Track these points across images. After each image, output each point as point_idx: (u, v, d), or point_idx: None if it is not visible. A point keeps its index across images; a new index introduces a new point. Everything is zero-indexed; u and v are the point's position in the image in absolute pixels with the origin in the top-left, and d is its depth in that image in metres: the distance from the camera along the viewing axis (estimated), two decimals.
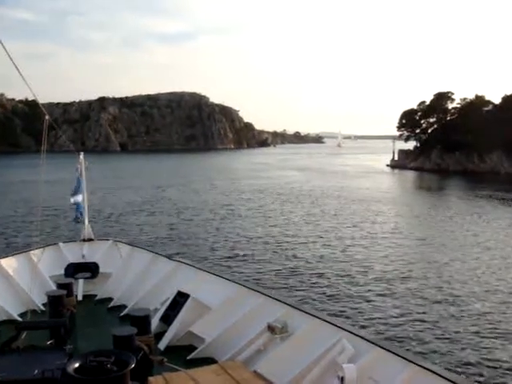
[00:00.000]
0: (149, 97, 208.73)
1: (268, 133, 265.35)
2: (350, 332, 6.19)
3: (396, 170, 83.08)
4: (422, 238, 26.88)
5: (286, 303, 7.30)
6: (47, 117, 9.03)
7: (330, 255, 22.38)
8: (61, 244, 11.16)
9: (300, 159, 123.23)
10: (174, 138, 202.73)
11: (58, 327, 6.49)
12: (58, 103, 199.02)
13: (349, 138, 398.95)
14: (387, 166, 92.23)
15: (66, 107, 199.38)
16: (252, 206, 38.37)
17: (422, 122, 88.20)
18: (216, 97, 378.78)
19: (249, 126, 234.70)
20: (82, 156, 10.97)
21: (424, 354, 11.91)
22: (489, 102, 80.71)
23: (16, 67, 6.66)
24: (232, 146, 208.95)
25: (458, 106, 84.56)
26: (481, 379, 11.03)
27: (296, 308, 7.11)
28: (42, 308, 9.11)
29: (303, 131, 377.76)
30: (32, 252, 10.42)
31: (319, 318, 6.71)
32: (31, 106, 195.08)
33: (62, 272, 10.17)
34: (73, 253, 10.86)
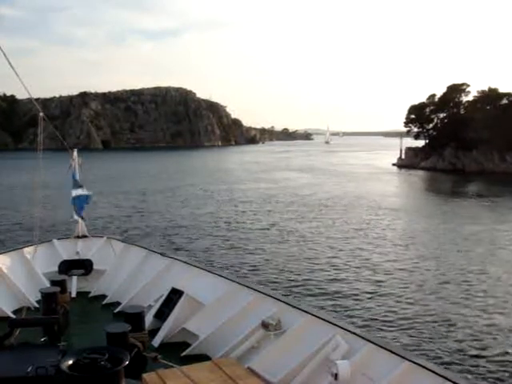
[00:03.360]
0: (133, 92, 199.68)
1: (256, 129, 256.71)
2: (343, 329, 6.14)
3: (405, 170, 74.98)
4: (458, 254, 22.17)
5: (279, 300, 7.21)
6: (41, 114, 9.77)
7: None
8: (55, 241, 11.02)
9: (295, 157, 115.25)
10: (160, 134, 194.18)
11: (51, 324, 6.53)
12: (37, 98, 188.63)
13: (337, 134, 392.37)
14: (393, 165, 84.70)
15: (45, 103, 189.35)
16: (262, 225, 29.53)
17: (433, 116, 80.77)
18: (202, 92, 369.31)
19: (237, 123, 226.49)
20: (75, 152, 11.06)
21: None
22: (509, 95, 73.17)
23: (10, 64, 7.24)
24: (219, 143, 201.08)
25: (475, 98, 76.84)
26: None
27: (290, 305, 7.02)
28: (36, 305, 8.99)
29: (291, 127, 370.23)
30: (26, 249, 10.35)
31: (313, 315, 6.64)
32: (9, 101, 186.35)
33: (56, 269, 10.04)
34: (67, 250, 10.77)
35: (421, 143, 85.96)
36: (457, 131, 73.56)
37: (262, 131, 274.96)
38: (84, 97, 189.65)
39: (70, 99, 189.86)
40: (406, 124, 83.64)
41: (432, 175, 67.85)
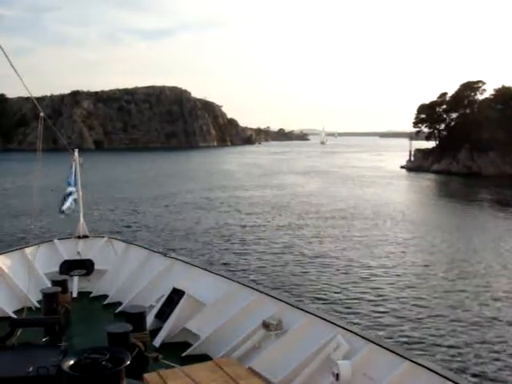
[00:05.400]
0: (126, 91, 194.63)
1: (251, 129, 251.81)
2: (344, 328, 6.06)
3: (416, 174, 70.02)
4: None
5: (280, 300, 7.13)
6: (42, 114, 9.68)
7: None
8: (56, 241, 10.98)
9: (296, 159, 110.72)
10: (154, 135, 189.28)
11: (52, 324, 6.43)
12: (27, 97, 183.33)
13: (332, 135, 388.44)
14: (402, 167, 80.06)
15: (36, 101, 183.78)
16: (276, 247, 24.30)
17: (445, 116, 76.19)
18: (200, 92, 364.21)
19: (233, 122, 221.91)
20: (76, 153, 10.94)
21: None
22: None
23: (11, 64, 7.23)
24: (215, 144, 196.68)
25: (489, 97, 72.35)
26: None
27: (291, 305, 6.95)
28: (37, 305, 8.91)
29: (287, 127, 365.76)
30: (27, 249, 10.26)
31: (314, 315, 6.57)
32: None
33: (57, 269, 10.01)
34: (68, 250, 10.70)
35: (424, 144, 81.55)
36: (470, 132, 69.19)
37: (258, 131, 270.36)
38: (76, 96, 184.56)
39: (62, 98, 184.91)
40: (416, 124, 79.13)
41: (448, 179, 62.93)
